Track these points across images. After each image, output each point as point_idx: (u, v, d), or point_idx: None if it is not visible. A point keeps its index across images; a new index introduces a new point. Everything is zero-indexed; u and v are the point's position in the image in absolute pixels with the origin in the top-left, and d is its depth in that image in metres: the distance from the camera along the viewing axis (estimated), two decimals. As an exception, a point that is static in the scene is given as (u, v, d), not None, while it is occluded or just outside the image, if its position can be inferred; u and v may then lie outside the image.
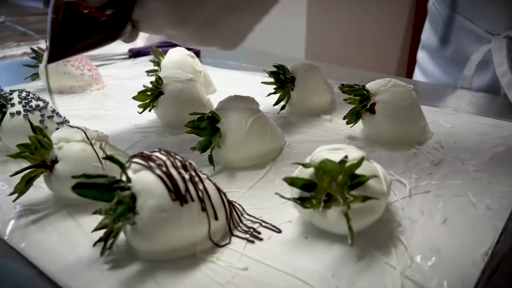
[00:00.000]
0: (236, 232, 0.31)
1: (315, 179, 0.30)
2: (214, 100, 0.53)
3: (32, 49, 0.64)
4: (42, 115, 0.43)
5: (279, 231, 0.32)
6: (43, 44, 0.96)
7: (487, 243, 0.30)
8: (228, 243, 0.30)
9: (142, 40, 0.91)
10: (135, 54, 0.86)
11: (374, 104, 0.44)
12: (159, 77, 0.49)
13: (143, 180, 0.28)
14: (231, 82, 0.68)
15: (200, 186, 0.29)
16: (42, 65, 0.63)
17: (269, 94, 0.55)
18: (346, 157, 0.28)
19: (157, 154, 0.29)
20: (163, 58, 0.61)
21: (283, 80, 0.52)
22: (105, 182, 0.28)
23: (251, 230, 0.32)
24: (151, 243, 0.28)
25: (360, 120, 0.46)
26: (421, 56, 0.82)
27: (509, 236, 0.31)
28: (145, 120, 0.53)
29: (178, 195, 0.27)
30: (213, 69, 0.74)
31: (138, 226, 0.27)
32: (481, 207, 0.34)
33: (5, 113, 0.43)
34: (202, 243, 0.29)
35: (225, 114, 0.40)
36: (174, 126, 0.50)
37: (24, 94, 0.45)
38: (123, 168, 0.28)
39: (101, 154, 0.35)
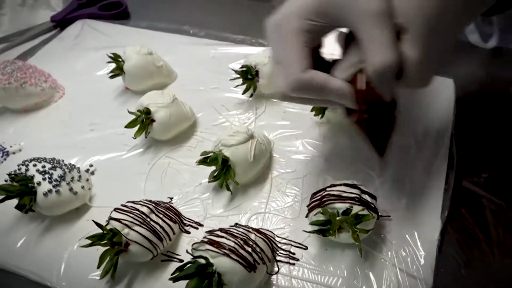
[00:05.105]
0: (277, 257, 0.45)
1: (329, 218, 0.43)
2: (181, 93, 0.59)
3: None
4: (68, 183, 0.49)
5: (306, 248, 0.46)
6: None
7: (436, 222, 0.46)
8: (278, 271, 0.44)
9: (58, 0, 0.85)
10: (59, 22, 0.82)
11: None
12: (147, 108, 0.55)
13: (225, 264, 0.39)
14: (183, 59, 0.71)
15: (258, 249, 0.41)
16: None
17: (237, 85, 0.63)
18: (352, 207, 0.42)
19: (224, 240, 0.40)
20: (123, 61, 0.63)
21: (250, 77, 0.60)
22: (195, 270, 0.39)
23: (288, 253, 0.45)
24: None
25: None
26: None
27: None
28: (133, 138, 0.57)
29: (251, 267, 0.40)
30: (156, 36, 0.76)
31: (228, 293, 0.40)
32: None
33: (35, 192, 0.48)
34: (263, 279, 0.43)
35: (230, 151, 0.49)
36: (169, 142, 0.58)
37: (39, 166, 0.49)
38: (207, 260, 0.39)
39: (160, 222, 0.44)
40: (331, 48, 0.42)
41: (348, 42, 0.39)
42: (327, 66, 0.40)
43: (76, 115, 0.63)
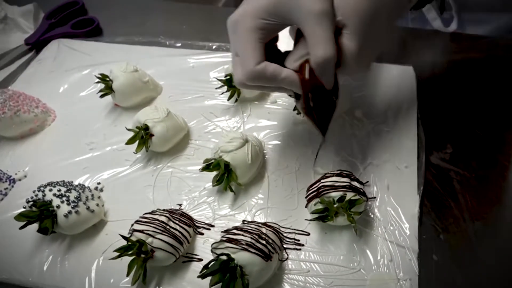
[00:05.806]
0: (285, 245, 0.51)
1: (327, 206, 0.49)
2: (169, 105, 0.64)
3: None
4: (85, 203, 0.53)
5: (308, 234, 0.52)
6: None
7: (414, 197, 0.54)
8: (288, 257, 0.50)
9: (28, 22, 0.86)
10: (34, 43, 0.83)
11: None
12: (145, 124, 0.59)
13: (245, 258, 0.45)
14: (165, 71, 0.74)
15: (270, 241, 0.47)
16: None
17: (222, 93, 0.68)
18: (345, 194, 0.48)
19: (241, 237, 0.46)
20: (111, 80, 0.66)
21: (234, 85, 0.65)
22: (219, 267, 0.45)
23: (294, 240, 0.52)
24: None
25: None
26: None
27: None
28: (134, 153, 0.61)
29: (267, 257, 0.46)
30: (134, 50, 0.79)
31: (250, 282, 0.46)
32: (402, 167, 0.57)
33: (55, 215, 0.52)
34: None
35: (230, 156, 0.55)
36: (167, 153, 0.62)
37: (55, 190, 0.53)
38: (229, 256, 0.45)
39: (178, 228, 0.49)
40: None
41: (299, 36, 0.46)
42: (281, 57, 0.46)
43: (72, 137, 0.67)
